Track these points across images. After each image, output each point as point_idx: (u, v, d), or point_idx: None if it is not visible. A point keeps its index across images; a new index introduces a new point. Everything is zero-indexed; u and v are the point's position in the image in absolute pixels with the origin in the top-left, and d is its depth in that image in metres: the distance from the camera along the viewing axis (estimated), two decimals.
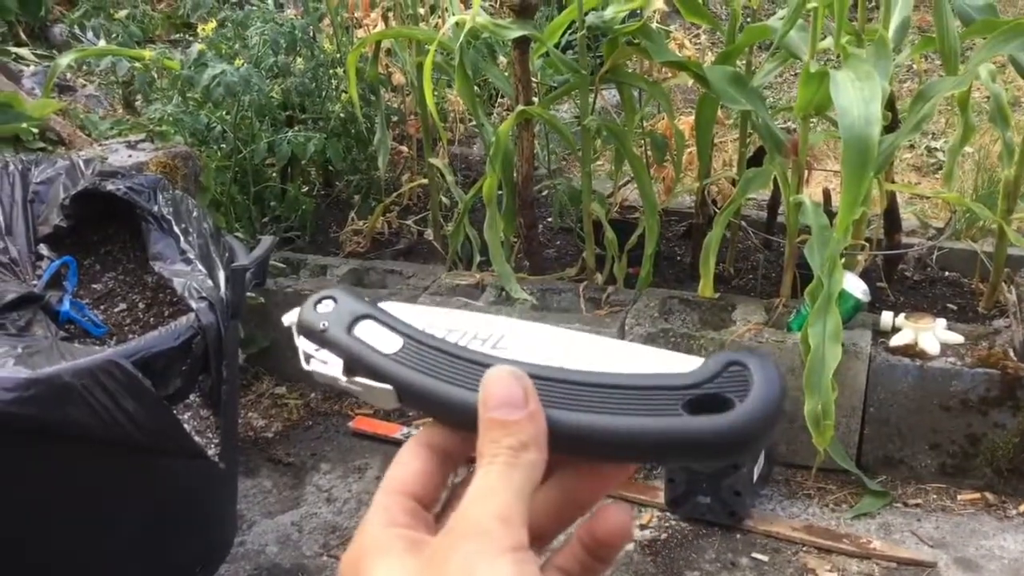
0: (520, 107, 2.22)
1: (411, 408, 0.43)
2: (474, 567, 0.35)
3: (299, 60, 2.77)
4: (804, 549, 1.87)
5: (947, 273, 2.49)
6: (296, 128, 2.70)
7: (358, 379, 0.44)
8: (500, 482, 0.38)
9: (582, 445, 0.39)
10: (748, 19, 2.47)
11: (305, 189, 2.96)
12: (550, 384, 0.40)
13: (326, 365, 0.45)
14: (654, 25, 2.29)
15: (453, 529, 0.37)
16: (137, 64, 2.59)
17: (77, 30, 3.89)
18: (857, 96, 1.70)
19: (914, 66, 3.65)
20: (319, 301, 0.47)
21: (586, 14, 2.19)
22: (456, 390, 0.41)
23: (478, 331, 0.46)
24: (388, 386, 0.43)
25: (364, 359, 0.44)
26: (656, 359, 0.42)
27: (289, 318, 0.47)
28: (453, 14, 2.33)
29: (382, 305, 0.47)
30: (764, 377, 0.38)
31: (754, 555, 1.86)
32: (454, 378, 0.42)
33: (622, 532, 0.41)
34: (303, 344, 0.46)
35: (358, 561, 0.39)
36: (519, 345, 0.45)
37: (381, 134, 2.62)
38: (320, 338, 0.45)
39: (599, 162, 3.18)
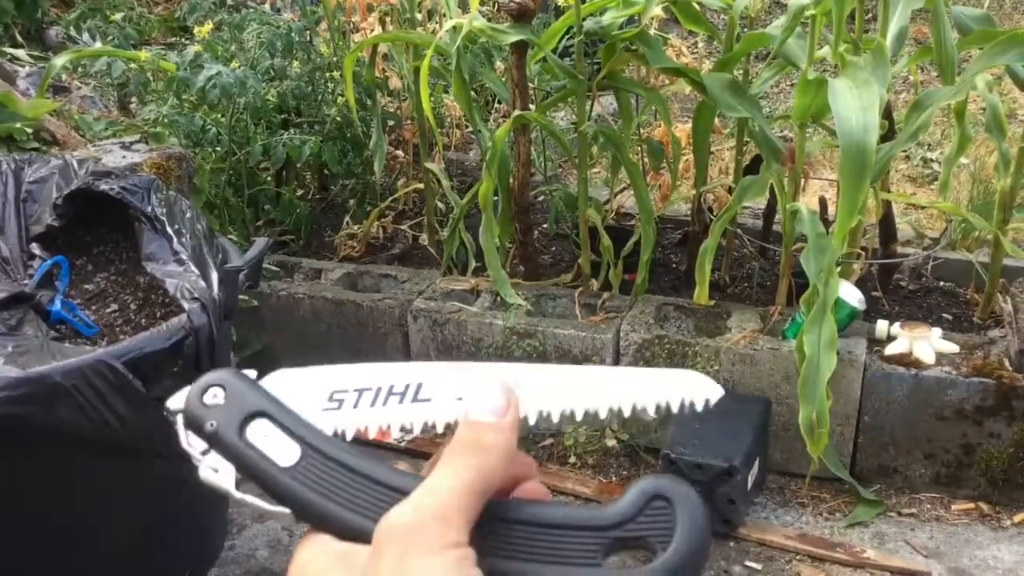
0: (517, 112, 2.22)
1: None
2: (406, 565, 0.36)
3: (295, 63, 2.76)
4: (798, 558, 1.87)
5: (942, 283, 2.49)
6: (292, 131, 2.69)
7: (250, 499, 0.42)
8: (449, 480, 0.38)
9: None
10: (745, 27, 2.47)
11: (300, 193, 2.95)
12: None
13: (217, 474, 0.43)
14: (652, 32, 2.29)
15: (392, 524, 0.37)
16: (132, 65, 2.58)
17: (73, 32, 3.88)
18: (855, 103, 1.69)
19: (910, 77, 3.65)
20: (205, 390, 0.44)
21: (584, 19, 2.19)
22: (356, 518, 0.40)
23: (392, 383, 0.45)
24: (285, 509, 0.41)
25: (259, 473, 0.42)
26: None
27: (175, 402, 0.44)
28: (450, 18, 2.33)
29: (279, 374, 0.45)
30: (689, 522, 0.38)
31: (747, 563, 1.85)
32: (356, 504, 0.40)
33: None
34: (190, 442, 0.43)
35: None
36: (438, 392, 0.45)
37: (377, 138, 2.61)
38: (209, 439, 0.43)
39: (595, 168, 3.18)
